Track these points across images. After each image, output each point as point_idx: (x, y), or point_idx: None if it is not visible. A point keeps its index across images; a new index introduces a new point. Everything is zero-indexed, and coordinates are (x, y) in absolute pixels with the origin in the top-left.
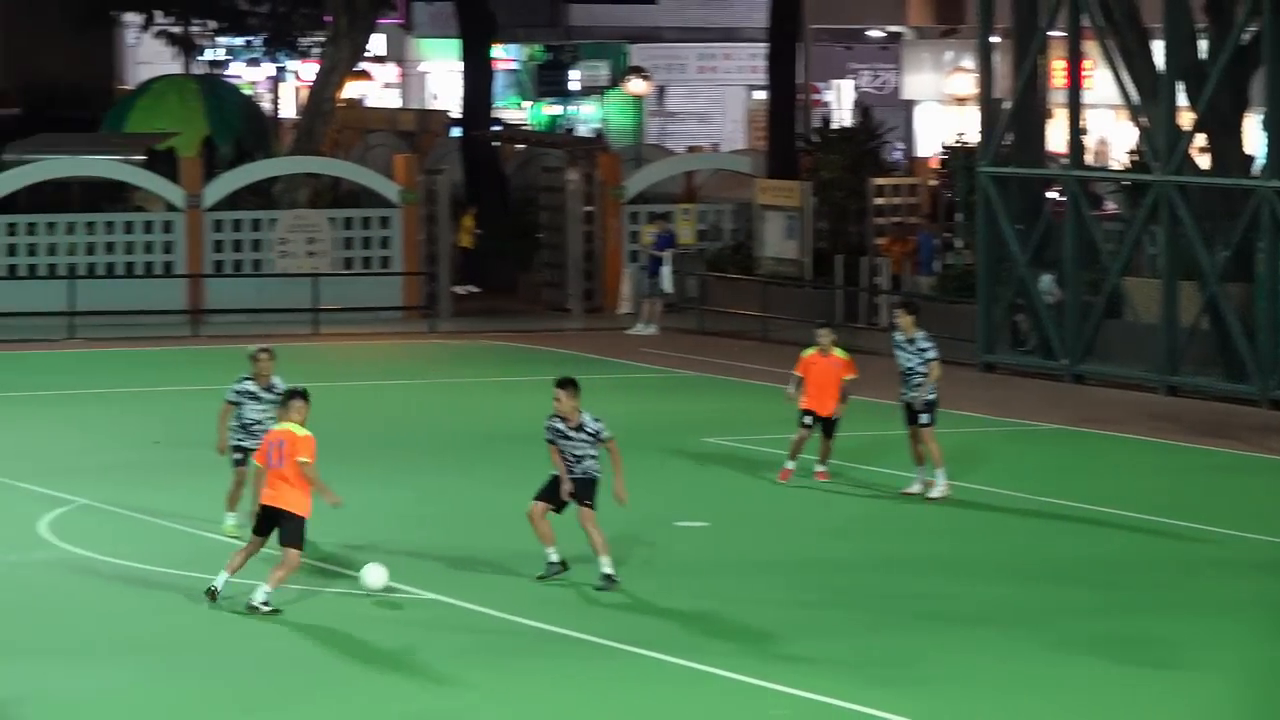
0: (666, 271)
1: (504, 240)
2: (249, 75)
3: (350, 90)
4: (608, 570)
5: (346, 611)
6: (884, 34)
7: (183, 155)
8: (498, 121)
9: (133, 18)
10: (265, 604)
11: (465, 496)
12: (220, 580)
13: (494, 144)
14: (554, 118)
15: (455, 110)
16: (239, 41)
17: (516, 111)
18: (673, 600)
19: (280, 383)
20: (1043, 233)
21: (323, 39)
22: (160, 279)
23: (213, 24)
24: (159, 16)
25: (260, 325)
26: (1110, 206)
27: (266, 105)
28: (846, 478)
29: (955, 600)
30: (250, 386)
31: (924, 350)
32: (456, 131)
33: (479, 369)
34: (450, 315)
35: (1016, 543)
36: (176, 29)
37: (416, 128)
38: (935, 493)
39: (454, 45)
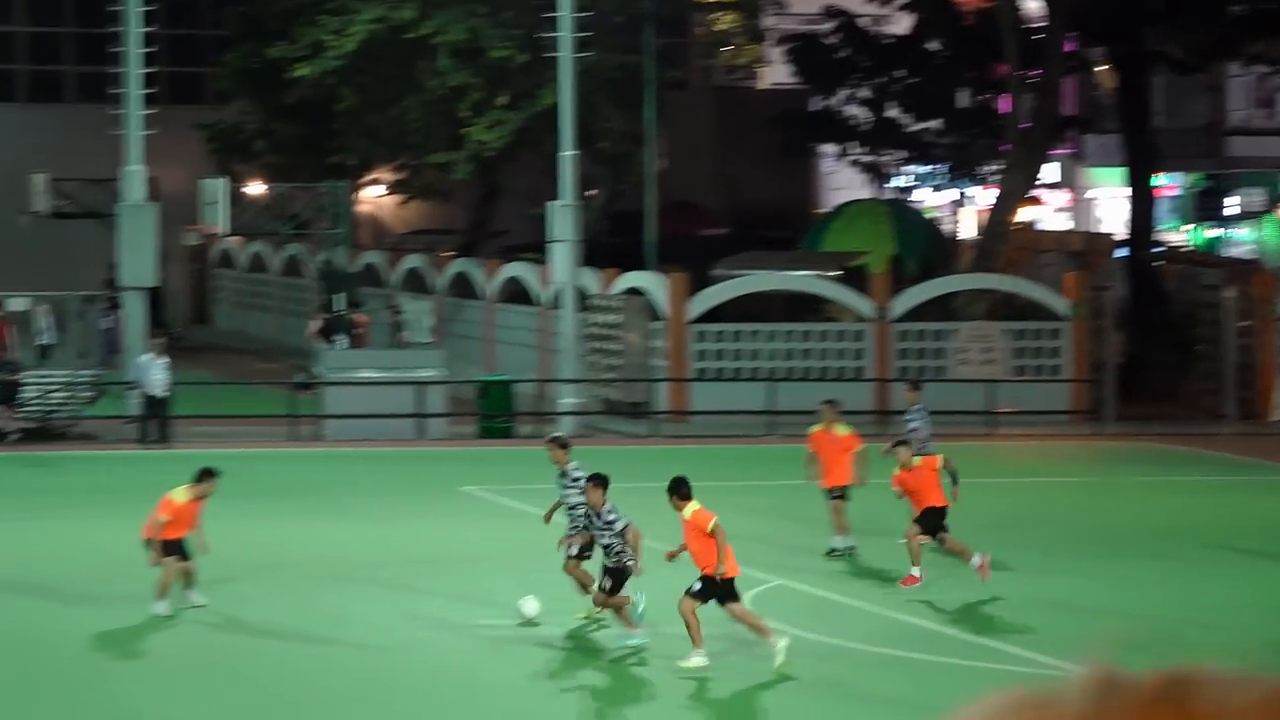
0: None
1: (1164, 351)
2: (933, 200)
3: (1024, 214)
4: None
5: None
6: None
7: (873, 272)
8: (1159, 243)
9: (830, 149)
10: None
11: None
12: None
13: (1156, 264)
14: (1212, 240)
15: (1120, 233)
16: (924, 169)
17: (1177, 234)
18: None
19: (575, 468)
20: None
21: (1001, 168)
22: (850, 382)
23: (901, 154)
24: (853, 148)
25: (939, 425)
26: None
27: (948, 227)
28: None
29: None
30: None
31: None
32: (1122, 252)
33: (1140, 470)
34: (1114, 419)
35: None
36: (868, 159)
37: (1085, 248)
38: None
39: (1120, 173)
